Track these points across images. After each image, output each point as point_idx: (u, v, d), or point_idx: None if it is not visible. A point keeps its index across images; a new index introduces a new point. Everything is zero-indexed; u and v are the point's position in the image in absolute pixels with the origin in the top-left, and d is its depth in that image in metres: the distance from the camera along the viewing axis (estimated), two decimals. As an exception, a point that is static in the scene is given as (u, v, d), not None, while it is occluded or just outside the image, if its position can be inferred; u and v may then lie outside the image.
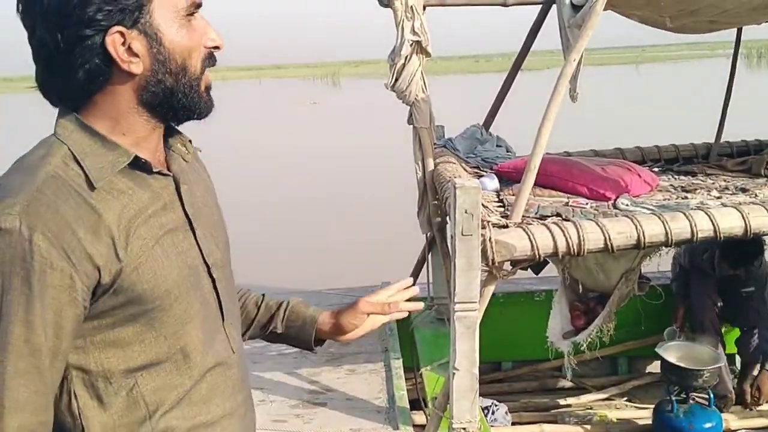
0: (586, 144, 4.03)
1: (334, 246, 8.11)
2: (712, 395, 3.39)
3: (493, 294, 2.56)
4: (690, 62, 49.64)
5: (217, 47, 1.14)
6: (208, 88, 1.15)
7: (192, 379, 1.15)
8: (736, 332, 4.13)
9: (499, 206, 2.77)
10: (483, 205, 2.40)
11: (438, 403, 2.77)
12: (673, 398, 3.36)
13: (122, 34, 1.03)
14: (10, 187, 1.00)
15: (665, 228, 2.38)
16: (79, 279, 1.00)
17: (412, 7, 2.98)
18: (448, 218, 2.76)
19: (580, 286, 3.32)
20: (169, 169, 1.18)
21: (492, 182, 3.05)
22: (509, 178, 3.08)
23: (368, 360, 3.58)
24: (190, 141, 1.25)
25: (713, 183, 3.23)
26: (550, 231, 2.35)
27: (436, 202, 3.35)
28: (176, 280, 1.11)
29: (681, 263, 4.13)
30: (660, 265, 4.16)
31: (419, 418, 3.45)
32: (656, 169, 3.57)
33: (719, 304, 3.97)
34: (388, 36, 3.12)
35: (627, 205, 2.74)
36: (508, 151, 3.65)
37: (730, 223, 2.44)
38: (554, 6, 3.19)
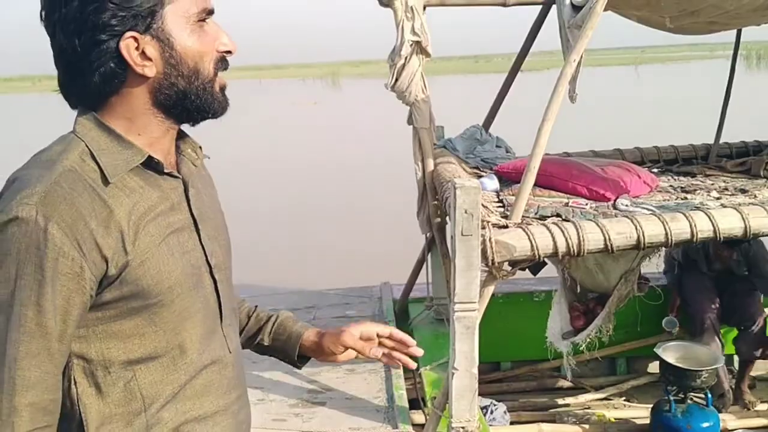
0: (586, 145, 4.04)
1: (334, 246, 8.12)
2: (709, 395, 3.40)
3: (493, 294, 2.57)
4: (689, 63, 49.69)
5: (229, 51, 1.19)
6: (222, 89, 1.20)
7: (187, 375, 1.19)
8: (734, 332, 4.13)
9: (499, 206, 2.78)
10: (483, 205, 2.40)
11: (437, 402, 2.77)
12: (671, 398, 3.37)
13: (135, 38, 1.08)
14: (28, 180, 1.05)
15: (665, 228, 2.39)
16: (88, 268, 1.05)
17: (412, 7, 2.99)
18: (447, 218, 2.76)
19: (580, 287, 3.32)
20: (179, 172, 1.23)
21: (492, 182, 3.06)
22: (509, 178, 3.08)
23: (367, 359, 3.58)
24: (200, 147, 1.30)
25: (713, 184, 3.24)
26: (550, 231, 2.36)
27: (435, 202, 3.36)
28: (179, 277, 1.15)
29: (674, 256, 4.16)
30: (659, 265, 4.18)
31: (418, 417, 3.45)
32: (655, 170, 3.58)
33: (717, 303, 3.99)
34: (388, 36, 3.13)
35: (627, 205, 2.74)
36: (507, 152, 3.65)
37: (730, 224, 2.45)
38: (554, 6, 3.20)
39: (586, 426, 3.72)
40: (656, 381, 4.24)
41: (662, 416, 3.40)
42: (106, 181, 1.09)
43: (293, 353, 1.48)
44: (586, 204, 2.81)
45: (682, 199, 2.94)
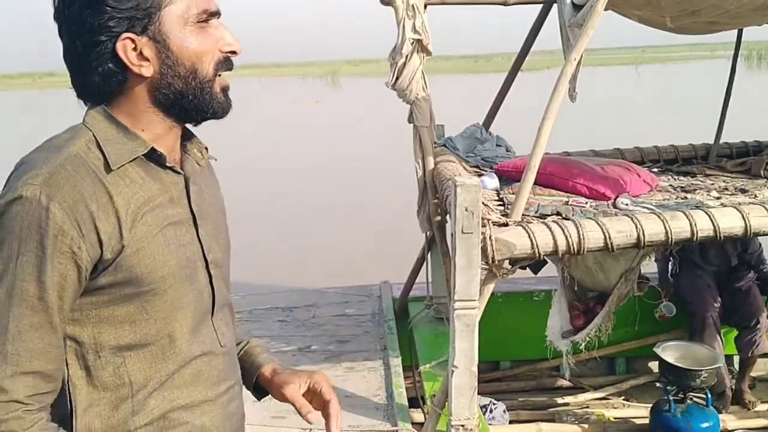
0: (586, 144, 4.04)
1: (334, 244, 8.12)
2: (709, 395, 3.40)
3: (492, 293, 2.57)
4: (690, 63, 49.70)
5: (233, 52, 1.22)
6: (224, 90, 1.23)
7: (176, 364, 1.21)
8: (735, 332, 4.14)
9: (499, 205, 2.78)
10: (483, 203, 2.40)
11: (437, 400, 2.78)
12: (671, 398, 3.37)
13: (132, 40, 1.12)
14: (35, 162, 1.10)
15: (665, 227, 2.39)
16: (86, 249, 1.09)
17: (413, 5, 2.99)
18: (448, 216, 2.77)
19: (579, 286, 3.32)
20: (182, 168, 1.26)
21: (492, 181, 3.06)
22: (509, 177, 3.09)
23: (367, 358, 3.59)
24: (206, 148, 1.34)
25: (713, 184, 3.24)
26: (550, 229, 2.36)
27: (436, 200, 3.36)
28: (173, 268, 1.18)
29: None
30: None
31: (417, 416, 3.46)
32: (655, 170, 3.58)
33: (719, 302, 3.99)
34: (388, 35, 3.13)
35: (627, 204, 2.74)
36: (507, 151, 3.65)
37: (730, 223, 2.45)
38: (555, 5, 3.20)
39: (585, 425, 3.72)
40: (655, 381, 4.25)
41: (662, 416, 3.40)
42: (108, 168, 1.13)
43: (250, 382, 1.47)
44: (587, 203, 2.81)
45: (682, 198, 2.94)
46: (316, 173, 12.61)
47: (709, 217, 2.43)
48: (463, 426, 2.51)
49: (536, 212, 2.63)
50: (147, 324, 1.17)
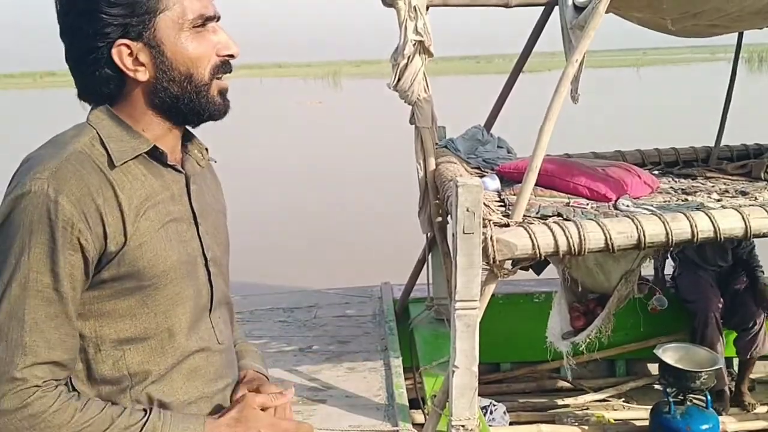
0: (587, 146, 4.04)
1: (335, 245, 8.13)
2: (709, 397, 3.41)
3: (493, 295, 2.57)
4: (691, 65, 49.69)
5: (231, 55, 1.24)
6: (222, 92, 1.25)
7: (174, 358, 1.23)
8: (734, 334, 4.14)
9: (501, 206, 2.79)
10: (484, 204, 2.41)
11: (437, 400, 2.78)
12: (671, 400, 3.38)
13: (128, 46, 1.16)
14: (41, 158, 1.13)
15: (666, 228, 2.40)
16: (92, 241, 1.12)
17: (415, 7, 2.99)
18: (449, 217, 2.77)
19: (580, 287, 3.33)
20: (182, 168, 1.29)
21: (493, 182, 3.07)
22: (510, 178, 3.09)
23: (368, 358, 3.60)
24: (206, 149, 1.37)
25: (713, 186, 3.24)
26: (551, 230, 2.37)
27: (437, 201, 3.36)
28: (174, 263, 1.21)
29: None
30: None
31: (418, 417, 3.46)
32: (656, 172, 3.58)
33: (720, 302, 4.01)
34: (387, 36, 3.14)
35: (627, 205, 2.75)
36: (509, 153, 3.66)
37: (731, 224, 2.45)
38: (557, 7, 3.21)
39: (586, 427, 3.73)
40: (655, 383, 4.25)
41: (661, 418, 3.41)
42: (112, 164, 1.16)
43: None
44: (587, 204, 2.82)
45: (682, 200, 2.95)
46: (318, 174, 12.62)
47: (710, 218, 2.44)
48: (463, 426, 2.51)
49: (537, 213, 2.64)
50: (147, 318, 1.19)
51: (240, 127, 16.14)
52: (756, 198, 2.94)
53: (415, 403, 3.49)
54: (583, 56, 2.48)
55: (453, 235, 2.38)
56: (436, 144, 3.41)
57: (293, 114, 25.44)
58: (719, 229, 2.43)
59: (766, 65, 41.95)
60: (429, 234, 3.65)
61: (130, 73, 1.17)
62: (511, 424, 3.76)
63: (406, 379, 3.41)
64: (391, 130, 8.64)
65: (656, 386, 4.23)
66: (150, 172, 1.21)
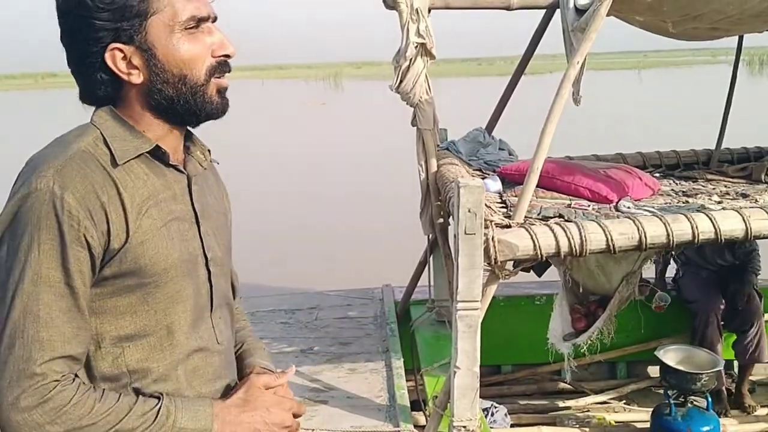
0: (588, 149, 4.05)
1: (337, 248, 8.13)
2: (710, 399, 3.41)
3: (494, 297, 2.58)
4: (692, 68, 49.71)
5: (227, 56, 1.25)
6: (221, 92, 1.26)
7: (173, 357, 1.24)
8: (733, 337, 4.15)
9: (502, 207, 2.79)
10: (486, 205, 2.41)
11: (439, 401, 2.79)
12: (672, 402, 3.38)
13: (121, 50, 1.17)
14: (45, 157, 1.15)
15: (667, 229, 2.40)
16: (97, 237, 1.13)
17: (417, 9, 3.01)
18: (450, 219, 2.78)
19: (581, 289, 3.34)
20: (185, 168, 1.29)
21: (495, 184, 3.07)
22: (512, 180, 3.10)
23: (369, 360, 3.61)
24: (209, 151, 1.37)
25: (714, 188, 3.25)
26: (553, 231, 2.37)
27: (438, 203, 3.37)
28: (175, 262, 1.22)
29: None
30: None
31: (419, 419, 3.47)
32: (657, 175, 3.59)
33: (722, 303, 4.02)
34: (389, 38, 3.15)
35: (628, 207, 2.76)
36: (510, 155, 3.66)
37: (731, 225, 2.46)
38: (558, 10, 3.22)
39: (587, 429, 3.74)
40: (656, 385, 4.26)
41: (662, 420, 3.41)
42: (115, 163, 1.17)
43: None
44: (589, 205, 2.83)
45: (683, 202, 2.96)
46: (321, 175, 12.64)
47: (710, 219, 2.44)
48: (464, 427, 2.52)
49: (539, 214, 2.64)
50: (147, 315, 1.20)
51: (241, 127, 16.16)
52: (756, 200, 2.95)
53: (416, 405, 3.49)
54: (585, 58, 2.49)
55: (455, 235, 2.38)
56: (438, 146, 3.42)
57: (297, 115, 25.45)
58: (720, 230, 2.43)
59: (766, 68, 41.95)
60: (430, 236, 3.66)
61: (124, 77, 1.18)
62: (512, 426, 3.76)
63: (407, 381, 3.42)
64: (393, 132, 8.65)
65: (657, 390, 4.24)
66: (152, 172, 1.22)
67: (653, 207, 2.80)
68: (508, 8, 3.47)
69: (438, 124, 3.38)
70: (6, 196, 1.15)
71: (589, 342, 3.21)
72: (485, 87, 16.20)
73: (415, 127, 3.34)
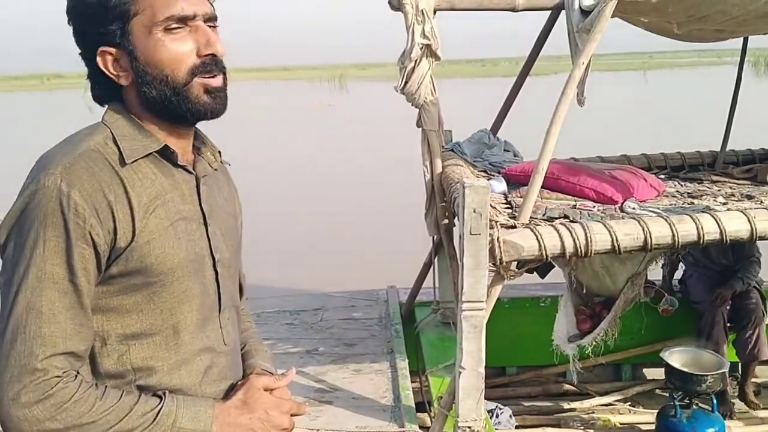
0: (593, 150, 4.05)
1: (342, 249, 8.14)
2: (715, 401, 3.41)
3: (499, 299, 2.58)
4: (697, 69, 49.58)
5: (212, 54, 1.23)
6: (210, 92, 1.23)
7: (178, 356, 1.25)
8: (733, 335, 4.15)
9: (507, 208, 2.79)
10: (491, 206, 2.42)
11: (444, 401, 2.79)
12: (677, 403, 3.38)
13: (110, 52, 1.20)
14: (54, 155, 1.17)
15: (672, 230, 2.40)
16: (103, 235, 1.14)
17: (422, 10, 3.01)
18: (455, 219, 2.78)
19: (586, 290, 3.33)
20: (194, 169, 1.30)
21: (500, 185, 3.08)
22: (517, 181, 3.10)
23: (374, 360, 3.61)
24: (219, 152, 1.39)
25: (719, 190, 3.24)
26: (558, 231, 2.37)
27: (443, 204, 3.37)
28: (182, 261, 1.22)
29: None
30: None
31: (424, 419, 3.47)
32: (662, 176, 3.59)
33: (729, 303, 4.02)
34: (394, 39, 3.15)
35: (634, 208, 2.76)
36: (515, 156, 3.67)
37: (737, 226, 2.45)
38: (563, 11, 3.22)
39: (591, 431, 3.73)
40: (661, 387, 4.25)
41: (668, 421, 3.41)
42: (123, 162, 1.19)
43: None
44: (594, 206, 2.82)
45: (688, 203, 2.95)
46: (325, 176, 12.64)
47: (716, 220, 2.44)
48: (469, 428, 2.52)
49: (544, 215, 2.64)
50: (153, 314, 1.21)
51: (243, 128, 16.18)
52: (762, 202, 2.94)
53: (421, 406, 3.50)
54: (590, 60, 2.49)
55: (460, 236, 2.39)
56: (443, 147, 3.43)
57: (303, 117, 25.46)
58: (725, 231, 2.43)
59: (772, 70, 41.82)
60: (435, 237, 3.66)
61: (114, 78, 1.21)
62: (517, 427, 3.76)
63: (411, 382, 3.42)
64: (398, 134, 8.65)
65: (661, 392, 4.23)
66: (160, 171, 1.23)
67: (658, 208, 2.80)
68: (513, 9, 3.47)
69: (443, 125, 3.39)
70: (7, 196, 1.16)
71: (594, 343, 3.21)
72: (490, 88, 16.19)
73: (420, 128, 3.34)
